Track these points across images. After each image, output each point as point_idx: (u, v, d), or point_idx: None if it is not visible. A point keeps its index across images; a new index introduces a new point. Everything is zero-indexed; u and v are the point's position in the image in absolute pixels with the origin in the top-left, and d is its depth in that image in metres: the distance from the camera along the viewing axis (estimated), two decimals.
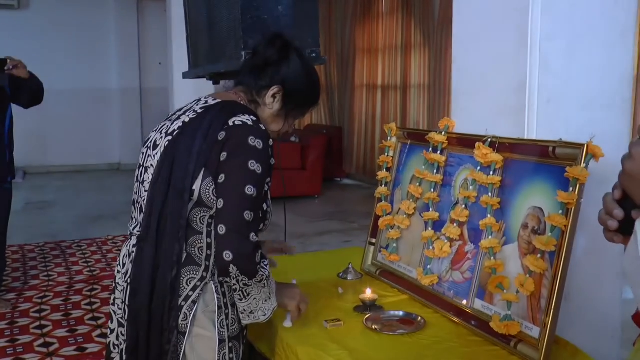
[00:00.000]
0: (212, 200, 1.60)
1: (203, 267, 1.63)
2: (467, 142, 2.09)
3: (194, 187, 1.58)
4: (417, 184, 2.29)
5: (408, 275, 2.28)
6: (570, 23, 1.87)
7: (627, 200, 0.98)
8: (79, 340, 3.80)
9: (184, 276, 1.61)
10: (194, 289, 1.62)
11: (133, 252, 1.67)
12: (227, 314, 1.67)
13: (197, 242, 1.62)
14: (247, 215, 1.56)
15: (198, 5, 3.08)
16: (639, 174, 0.93)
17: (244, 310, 1.66)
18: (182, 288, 1.61)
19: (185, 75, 3.26)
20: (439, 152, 2.20)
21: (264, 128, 1.65)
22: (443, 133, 2.19)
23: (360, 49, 9.81)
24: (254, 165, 1.57)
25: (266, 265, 1.65)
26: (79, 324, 4.06)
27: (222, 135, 1.60)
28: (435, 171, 2.20)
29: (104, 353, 1.83)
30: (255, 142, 1.59)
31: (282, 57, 1.75)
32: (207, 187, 1.59)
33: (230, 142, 1.59)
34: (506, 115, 1.98)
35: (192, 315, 1.62)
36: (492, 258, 1.86)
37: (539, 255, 1.70)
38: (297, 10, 2.59)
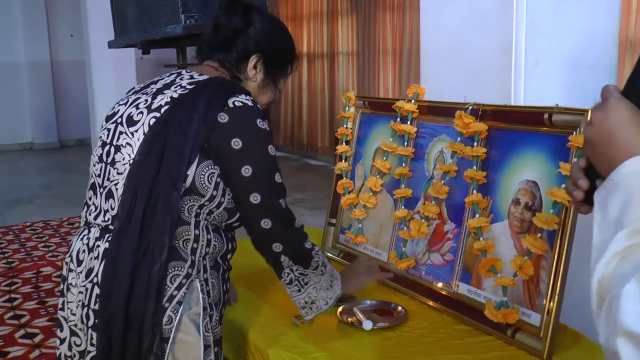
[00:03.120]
0: (206, 188, 1.42)
1: (189, 262, 1.43)
2: (441, 110, 1.91)
3: (187, 172, 1.40)
4: (384, 158, 2.09)
5: (377, 258, 2.09)
6: None
7: (592, 169, 0.90)
8: None
9: (168, 273, 1.41)
10: (178, 288, 1.41)
11: (99, 246, 1.45)
12: (211, 316, 1.48)
13: (184, 233, 1.43)
14: (283, 203, 1.54)
15: None
16: (598, 141, 0.86)
17: (305, 303, 1.60)
18: (167, 287, 1.40)
19: (112, 45, 2.93)
20: (408, 123, 2.00)
21: (260, 107, 1.52)
22: (413, 101, 1.99)
23: (284, 16, 9.52)
24: (273, 150, 1.51)
25: (319, 252, 1.62)
26: None
27: (223, 117, 1.43)
28: (405, 143, 2.00)
29: None
30: (262, 124, 1.49)
31: (247, 22, 1.59)
32: (203, 173, 1.42)
33: (239, 127, 1.45)
34: (487, 80, 1.81)
35: (177, 318, 1.40)
36: (481, 238, 1.69)
37: (538, 235, 1.53)
38: None
